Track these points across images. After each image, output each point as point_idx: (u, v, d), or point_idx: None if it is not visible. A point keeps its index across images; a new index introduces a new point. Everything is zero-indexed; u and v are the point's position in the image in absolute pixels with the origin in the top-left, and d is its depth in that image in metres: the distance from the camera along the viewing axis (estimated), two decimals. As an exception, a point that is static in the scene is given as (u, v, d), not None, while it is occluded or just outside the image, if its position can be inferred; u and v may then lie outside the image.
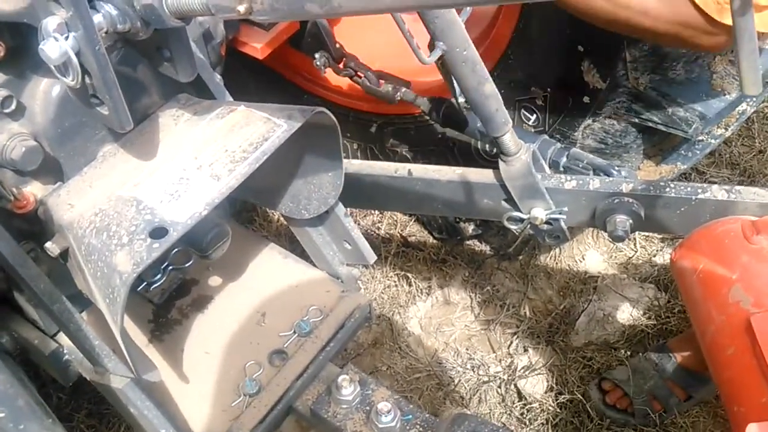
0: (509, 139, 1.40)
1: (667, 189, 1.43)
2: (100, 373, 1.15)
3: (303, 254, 1.50)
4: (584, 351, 2.17)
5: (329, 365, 1.31)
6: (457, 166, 1.54)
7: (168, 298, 1.40)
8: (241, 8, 0.79)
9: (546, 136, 1.59)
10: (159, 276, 1.38)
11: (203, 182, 1.03)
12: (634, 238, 2.46)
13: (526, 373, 2.13)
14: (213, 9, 0.83)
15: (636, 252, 2.45)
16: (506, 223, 1.53)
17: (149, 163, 1.10)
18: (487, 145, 1.66)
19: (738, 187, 1.40)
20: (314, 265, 1.46)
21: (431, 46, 1.26)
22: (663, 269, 2.35)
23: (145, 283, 1.37)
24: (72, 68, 0.88)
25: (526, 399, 2.06)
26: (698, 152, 1.76)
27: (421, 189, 1.54)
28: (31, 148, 1.06)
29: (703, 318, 1.28)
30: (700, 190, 1.42)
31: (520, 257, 2.40)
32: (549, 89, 1.71)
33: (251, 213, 2.38)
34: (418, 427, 1.20)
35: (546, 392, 2.10)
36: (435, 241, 2.37)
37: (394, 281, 2.28)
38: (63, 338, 1.29)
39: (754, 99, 1.73)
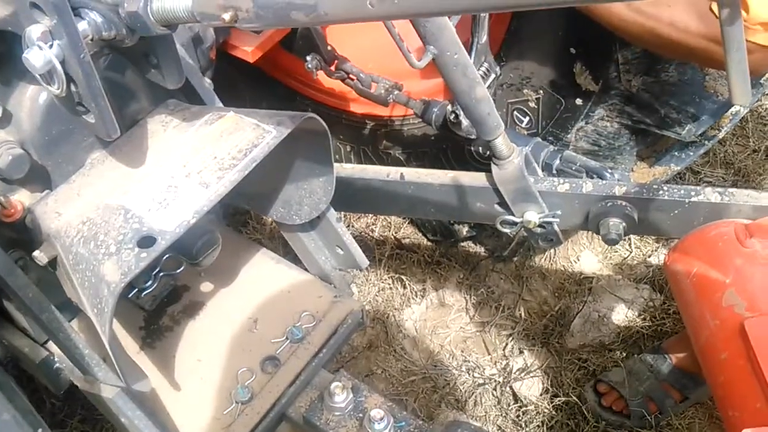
0: (501, 142, 1.39)
1: (660, 192, 1.42)
2: (90, 382, 1.14)
3: (296, 259, 1.49)
4: (579, 353, 2.17)
5: (322, 371, 1.30)
6: (449, 169, 1.53)
7: (159, 304, 1.39)
8: (226, 16, 0.78)
9: (539, 139, 1.59)
10: (150, 282, 1.37)
11: (192, 190, 1.02)
12: (629, 239, 2.46)
13: (522, 375, 2.12)
14: (198, 17, 0.82)
15: (631, 253, 2.44)
16: (499, 227, 1.53)
17: (137, 171, 1.09)
18: (480, 148, 1.65)
19: (731, 189, 1.40)
20: (307, 270, 1.45)
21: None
22: (658, 270, 2.34)
23: (135, 290, 1.36)
24: (57, 77, 0.87)
25: (521, 401, 2.06)
26: (692, 153, 1.76)
27: (414, 193, 1.53)
28: (18, 156, 1.05)
29: (697, 322, 1.27)
30: (693, 193, 1.41)
31: (515, 259, 2.40)
32: (541, 91, 1.71)
33: (244, 216, 2.37)
34: (411, 434, 1.19)
35: (542, 394, 2.09)
36: (429, 243, 2.36)
37: (389, 284, 2.27)
38: (53, 346, 1.28)
39: (748, 99, 1.72)
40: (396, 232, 2.36)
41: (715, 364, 1.22)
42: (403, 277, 2.27)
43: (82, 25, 0.88)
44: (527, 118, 1.76)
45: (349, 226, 2.35)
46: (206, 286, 1.42)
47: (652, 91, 1.57)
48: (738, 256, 1.24)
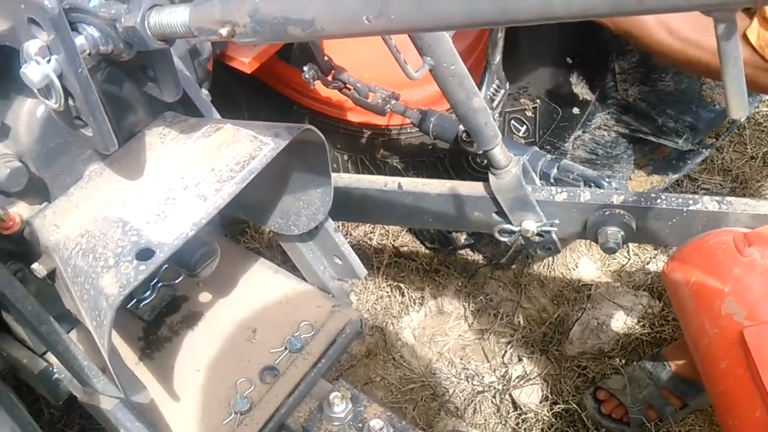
0: (499, 152, 1.39)
1: (658, 200, 1.43)
2: (89, 393, 1.14)
3: (294, 268, 1.50)
4: (579, 360, 2.17)
5: (321, 381, 1.30)
6: (447, 179, 1.54)
7: (158, 314, 1.39)
8: (223, 31, 0.79)
9: (536, 148, 1.59)
10: (149, 293, 1.38)
11: (190, 202, 1.02)
12: (627, 246, 2.46)
13: (521, 382, 2.12)
14: (195, 32, 0.82)
15: (629, 260, 2.44)
16: (497, 236, 1.53)
17: (135, 183, 1.09)
18: (477, 157, 1.65)
19: (729, 198, 1.40)
20: (305, 280, 1.45)
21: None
22: (656, 277, 2.35)
23: (134, 300, 1.36)
24: (54, 91, 0.88)
25: (521, 409, 2.06)
26: (689, 161, 1.76)
27: (412, 202, 1.54)
28: (16, 169, 1.05)
29: (696, 331, 1.27)
30: (691, 202, 1.41)
31: (513, 266, 2.40)
32: (538, 101, 1.71)
33: (243, 225, 2.37)
34: (411, 445, 1.19)
35: (541, 402, 2.09)
36: (427, 251, 2.36)
37: (387, 292, 2.27)
38: (52, 357, 1.28)
39: (745, 107, 1.73)
40: (394, 241, 2.36)
41: (714, 372, 1.22)
42: (401, 285, 2.27)
43: (79, 40, 0.88)
44: (524, 127, 1.76)
45: (347, 234, 2.35)
46: (205, 297, 1.42)
47: (648, 101, 1.58)
48: (737, 265, 1.24)
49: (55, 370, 1.29)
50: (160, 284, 1.38)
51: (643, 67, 1.52)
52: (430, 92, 1.85)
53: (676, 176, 1.78)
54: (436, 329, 2.25)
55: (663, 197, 1.43)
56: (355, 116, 2.10)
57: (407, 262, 2.33)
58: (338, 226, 1.39)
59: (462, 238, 2.25)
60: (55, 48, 0.85)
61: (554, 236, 1.51)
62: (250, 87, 2.10)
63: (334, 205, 1.30)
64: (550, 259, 2.46)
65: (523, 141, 1.79)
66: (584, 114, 1.63)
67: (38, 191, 1.13)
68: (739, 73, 0.59)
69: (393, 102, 1.73)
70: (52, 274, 1.10)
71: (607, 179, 1.52)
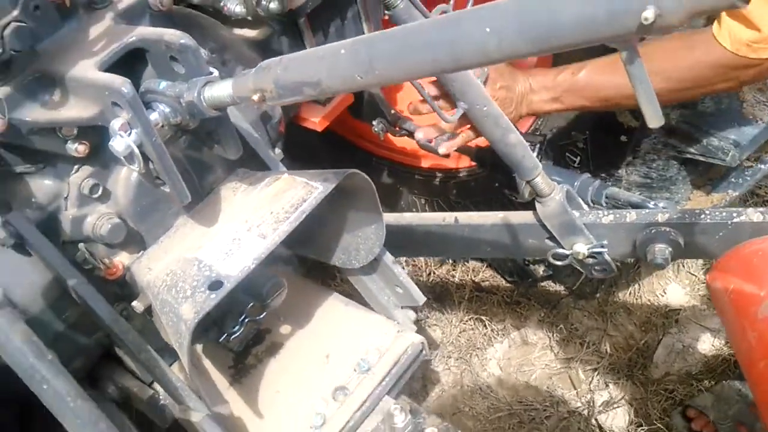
0: (541, 181, 1.51)
1: (702, 216, 1.49)
2: (183, 410, 1.33)
3: (364, 302, 1.66)
4: (665, 383, 2.18)
5: (386, 398, 1.44)
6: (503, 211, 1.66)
7: (246, 346, 1.58)
8: (255, 97, 0.98)
9: (587, 175, 1.68)
10: (237, 327, 1.57)
11: (252, 241, 1.21)
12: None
13: (607, 408, 2.16)
14: (237, 100, 1.02)
15: (719, 282, 2.43)
16: (551, 260, 1.63)
17: (211, 229, 1.30)
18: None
19: (776, 208, 1.44)
20: (373, 310, 1.60)
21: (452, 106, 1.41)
22: (745, 297, 2.32)
23: (225, 335, 1.56)
24: (136, 158, 1.10)
25: (606, 432, 2.09)
26: (749, 178, 1.79)
27: (468, 234, 1.67)
28: (116, 225, 1.28)
29: (738, 337, 1.31)
30: (735, 214, 1.46)
31: (598, 295, 2.45)
32: (588, 132, 1.81)
33: (333, 269, 2.56)
34: (464, 451, 1.30)
35: (628, 425, 2.11)
36: (508, 285, 2.46)
37: (470, 325, 2.38)
38: (158, 386, 1.50)
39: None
40: (475, 276, 2.48)
41: (755, 374, 1.26)
42: (483, 317, 2.38)
43: (153, 116, 1.10)
44: (578, 157, 1.86)
45: (429, 274, 2.49)
46: (285, 329, 1.60)
47: (690, 122, 1.64)
48: (773, 270, 1.29)
49: (161, 397, 1.50)
50: (246, 320, 1.58)
51: (680, 93, 1.60)
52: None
53: (737, 193, 1.81)
54: (522, 360, 2.33)
55: (707, 212, 1.48)
56: (427, 162, 2.26)
57: (488, 295, 2.44)
58: (397, 260, 1.54)
59: (540, 269, 2.33)
60: (134, 123, 1.07)
61: (606, 257, 1.59)
62: (331, 144, 2.31)
63: (398, 241, 1.45)
64: (637, 286, 2.49)
65: (579, 171, 1.88)
66: (631, 141, 1.71)
67: (136, 242, 1.35)
68: (648, 89, 0.71)
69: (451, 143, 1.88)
70: (149, 310, 1.32)
71: (653, 202, 1.59)
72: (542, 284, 2.44)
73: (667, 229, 1.51)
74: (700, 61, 1.46)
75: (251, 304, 1.54)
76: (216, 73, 1.11)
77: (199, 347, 1.59)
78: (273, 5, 1.39)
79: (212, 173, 1.42)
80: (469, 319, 2.38)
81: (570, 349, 2.34)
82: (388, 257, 1.51)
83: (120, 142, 1.07)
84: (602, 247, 1.57)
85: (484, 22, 0.73)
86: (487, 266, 2.49)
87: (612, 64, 1.58)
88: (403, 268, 1.51)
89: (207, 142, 1.25)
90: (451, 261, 2.49)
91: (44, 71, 1.17)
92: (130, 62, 1.15)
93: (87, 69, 1.12)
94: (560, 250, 1.61)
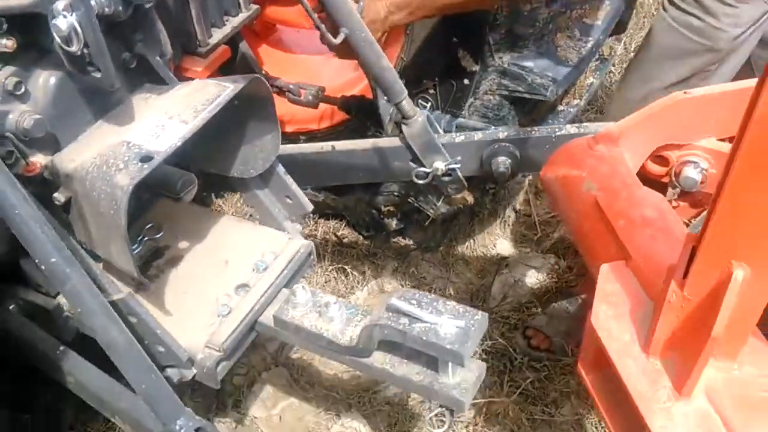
0: (407, 104, 1.79)
1: (533, 132, 1.84)
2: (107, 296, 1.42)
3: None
4: (502, 312, 2.53)
5: (284, 290, 1.62)
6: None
7: (145, 262, 1.69)
8: None
9: (438, 111, 1.99)
10: (136, 246, 1.68)
11: (175, 126, 1.37)
12: (536, 223, 2.88)
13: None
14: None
15: (538, 234, 2.86)
16: (415, 179, 1.90)
17: (130, 126, 1.43)
18: (394, 123, 2.05)
19: (586, 123, 1.83)
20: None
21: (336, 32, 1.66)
22: (560, 240, 2.76)
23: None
24: (76, 38, 1.23)
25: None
26: (562, 120, 2.20)
27: (344, 160, 1.90)
28: (39, 120, 1.36)
29: (569, 211, 1.66)
30: (557, 130, 1.83)
31: (441, 249, 2.77)
32: (437, 78, 2.13)
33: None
34: (359, 315, 1.51)
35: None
36: (365, 241, 2.72)
37: (334, 275, 2.61)
38: (62, 299, 1.57)
39: (598, 73, 2.20)
40: (336, 232, 2.71)
41: (582, 235, 1.61)
42: (345, 266, 2.61)
43: (92, 1, 1.24)
44: (429, 103, 2.17)
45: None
46: (183, 244, 1.73)
47: (519, 64, 2.02)
48: (589, 157, 1.65)
49: (64, 309, 1.58)
50: (145, 239, 1.69)
51: (509, 37, 1.96)
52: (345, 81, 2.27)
53: (552, 134, 2.21)
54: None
55: (536, 129, 1.84)
56: (291, 127, 2.48)
57: (348, 249, 2.68)
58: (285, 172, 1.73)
59: (392, 223, 2.61)
60: (76, 5, 1.21)
61: (459, 173, 1.89)
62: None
63: (283, 171, 1.65)
64: (472, 241, 2.84)
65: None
66: (473, 83, 2.05)
67: (51, 145, 1.45)
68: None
69: (321, 94, 2.13)
70: (68, 204, 1.41)
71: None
72: (394, 240, 2.72)
73: (506, 144, 1.84)
74: None
75: (149, 225, 1.68)
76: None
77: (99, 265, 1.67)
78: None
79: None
80: (333, 269, 2.60)
81: (421, 295, 2.63)
82: (281, 168, 1.71)
83: (63, 22, 1.21)
84: (456, 163, 1.87)
85: None
86: (346, 224, 2.74)
87: None
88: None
89: (129, 41, 1.40)
90: (313, 219, 2.71)
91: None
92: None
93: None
94: (422, 169, 1.88)
